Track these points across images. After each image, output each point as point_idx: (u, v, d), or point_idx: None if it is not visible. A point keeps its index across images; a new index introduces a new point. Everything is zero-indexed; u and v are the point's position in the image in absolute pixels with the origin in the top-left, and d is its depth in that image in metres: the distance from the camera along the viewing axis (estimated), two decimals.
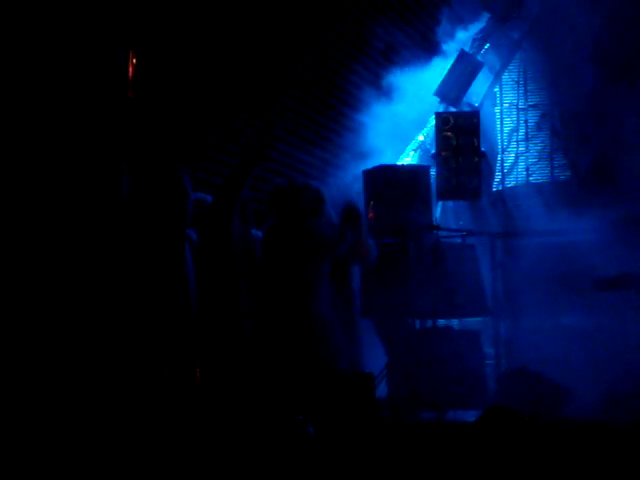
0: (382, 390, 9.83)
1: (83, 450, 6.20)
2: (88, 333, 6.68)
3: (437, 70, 12.13)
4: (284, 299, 8.00)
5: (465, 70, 11.98)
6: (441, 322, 10.65)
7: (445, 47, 12.15)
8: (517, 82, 13.00)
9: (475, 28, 12.45)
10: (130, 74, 7.14)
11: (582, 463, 5.75)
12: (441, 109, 12.12)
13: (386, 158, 11.75)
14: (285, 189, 8.37)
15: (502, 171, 13.08)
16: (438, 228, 10.80)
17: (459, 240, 11.22)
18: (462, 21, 12.16)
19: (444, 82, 12.02)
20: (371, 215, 10.20)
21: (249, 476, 6.00)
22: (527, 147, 13.04)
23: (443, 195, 11.53)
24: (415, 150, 12.69)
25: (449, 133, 11.35)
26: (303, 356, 7.90)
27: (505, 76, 12.98)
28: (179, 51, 9.51)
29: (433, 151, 11.75)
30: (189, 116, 9.80)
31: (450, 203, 12.44)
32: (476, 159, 11.40)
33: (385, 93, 11.78)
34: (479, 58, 12.32)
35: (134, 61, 7.14)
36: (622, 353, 10.01)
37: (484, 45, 12.54)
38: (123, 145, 7.00)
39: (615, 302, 10.22)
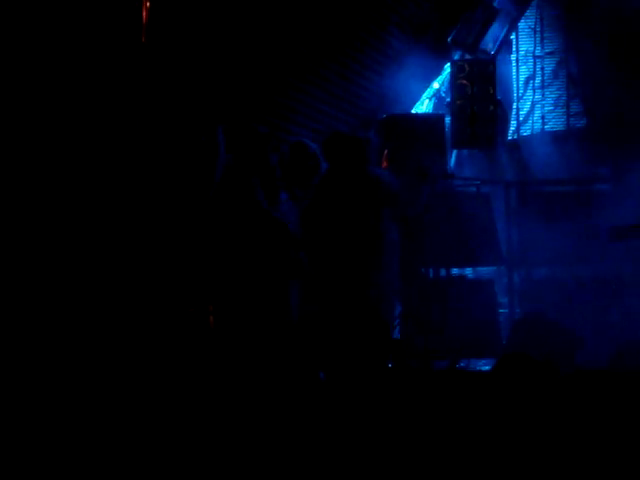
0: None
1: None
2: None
3: (453, 17, 12.04)
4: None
5: (481, 17, 11.86)
6: (455, 271, 10.65)
7: None
8: (533, 29, 12.86)
9: None
10: (144, 19, 7.09)
11: (597, 410, 5.77)
12: (456, 56, 12.02)
13: (401, 107, 11.70)
14: (344, 137, 8.23)
15: (518, 119, 12.98)
16: (452, 177, 10.77)
17: (474, 189, 11.19)
18: None
19: (460, 29, 11.91)
20: (385, 164, 10.16)
21: (258, 421, 6.04)
22: (543, 95, 12.93)
23: (458, 144, 11.50)
24: (430, 98, 12.60)
25: (464, 81, 11.29)
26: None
27: (521, 23, 12.81)
28: None
29: (448, 99, 11.69)
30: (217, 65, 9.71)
31: (465, 152, 12.38)
32: (491, 107, 11.34)
33: (399, 41, 11.71)
34: (495, 5, 12.20)
35: (148, 4, 7.08)
36: (636, 303, 10.03)
37: None
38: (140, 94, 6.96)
39: (631, 251, 10.21)
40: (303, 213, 8.13)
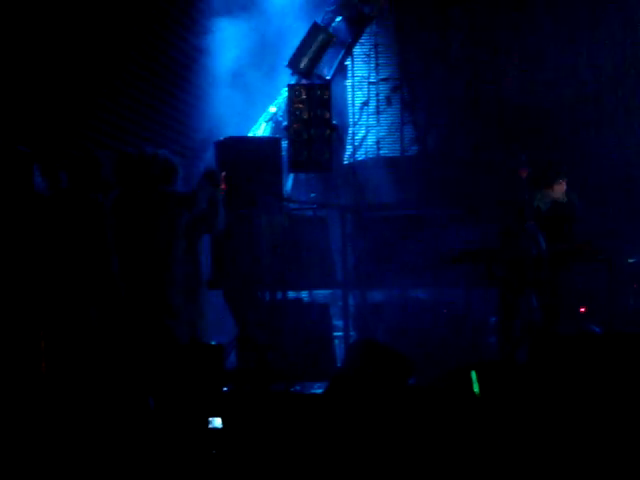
0: (232, 362, 9.81)
1: None
2: None
3: (290, 41, 12.09)
4: (140, 264, 7.93)
5: (317, 42, 11.97)
6: (291, 294, 10.66)
7: (298, 19, 12.11)
8: (368, 55, 13.05)
9: (327, 1, 12.46)
10: None
11: (429, 431, 5.84)
12: (293, 81, 12.08)
13: (238, 129, 11.67)
14: (134, 158, 8.26)
15: (353, 144, 13.12)
16: (289, 200, 10.79)
17: (310, 212, 11.24)
18: None
19: (296, 54, 11.99)
20: (223, 186, 10.11)
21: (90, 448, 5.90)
22: (378, 120, 13.10)
23: (294, 167, 11.54)
24: (267, 121, 12.63)
25: (301, 105, 11.35)
26: (154, 324, 7.83)
27: (357, 49, 12.99)
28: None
29: (285, 123, 11.73)
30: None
31: (302, 175, 12.44)
32: (327, 132, 11.44)
33: (238, 64, 11.69)
34: (331, 31, 12.32)
35: None
36: (467, 326, 10.20)
37: (336, 18, 12.54)
38: None
39: (463, 275, 10.39)
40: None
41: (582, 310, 10.60)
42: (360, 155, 13.18)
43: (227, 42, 11.51)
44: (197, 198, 8.30)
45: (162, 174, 8.30)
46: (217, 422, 6.50)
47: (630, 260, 10.86)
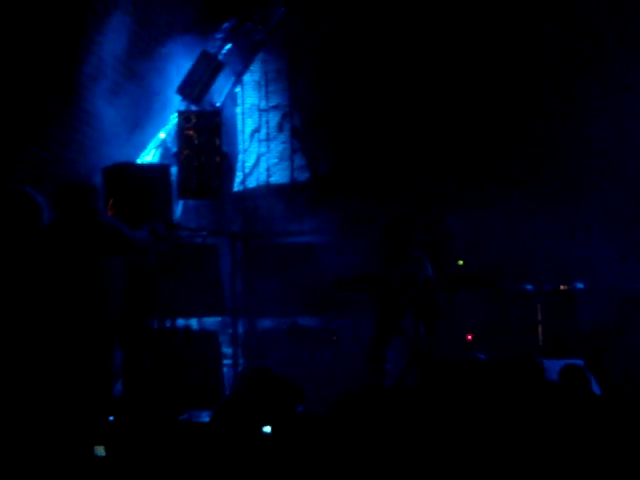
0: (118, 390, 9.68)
1: None
2: None
3: (180, 68, 12.05)
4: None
5: (207, 70, 11.95)
6: (180, 321, 10.58)
7: (188, 46, 12.07)
8: (258, 83, 13.07)
9: (217, 28, 12.46)
10: None
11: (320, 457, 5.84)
12: (183, 107, 12.04)
13: (127, 155, 11.57)
14: (74, 188, 8.08)
15: (243, 171, 13.11)
16: (178, 227, 10.73)
17: (199, 240, 11.19)
18: (204, 21, 12.13)
19: (186, 80, 11.96)
20: (110, 212, 10.01)
21: None
22: (268, 148, 13.12)
23: (184, 194, 11.49)
24: (157, 148, 12.55)
25: (191, 132, 11.33)
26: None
27: (247, 77, 13.02)
28: None
29: (175, 149, 11.68)
30: None
31: (191, 202, 12.38)
32: (217, 158, 11.42)
33: (126, 89, 11.59)
34: (221, 58, 12.32)
35: None
36: (358, 354, 10.24)
37: (226, 45, 12.54)
38: None
39: (352, 302, 10.43)
40: (23, 263, 7.90)
41: (469, 337, 10.73)
42: (250, 182, 13.16)
43: (115, 67, 11.42)
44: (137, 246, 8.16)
45: (94, 205, 8.16)
46: (101, 451, 6.40)
47: (517, 288, 11.04)
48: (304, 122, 13.01)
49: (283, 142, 13.10)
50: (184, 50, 12.00)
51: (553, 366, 7.25)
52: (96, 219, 7.99)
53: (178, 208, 12.03)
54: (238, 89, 12.96)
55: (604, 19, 11.82)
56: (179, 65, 12.05)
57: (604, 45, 11.86)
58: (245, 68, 12.79)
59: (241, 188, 13.12)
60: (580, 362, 7.54)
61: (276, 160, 13.12)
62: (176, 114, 11.67)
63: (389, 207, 11.54)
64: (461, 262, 9.92)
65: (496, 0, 12.22)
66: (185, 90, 11.93)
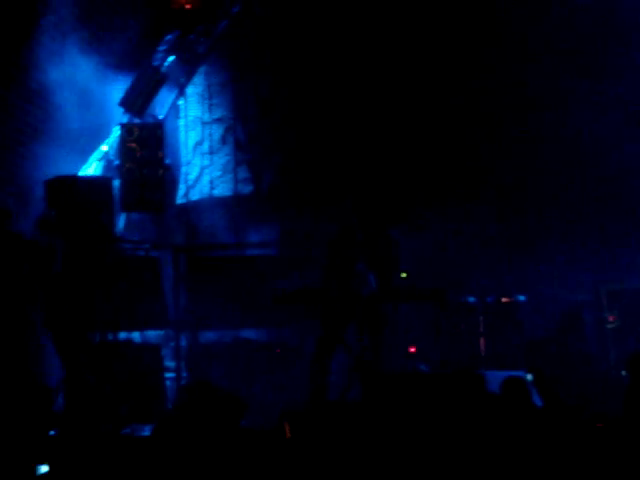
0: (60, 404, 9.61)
1: None
2: None
3: (122, 81, 11.99)
4: None
5: (149, 82, 11.89)
6: (123, 335, 10.52)
7: (131, 58, 12.01)
8: (202, 95, 13.04)
9: (160, 41, 12.40)
10: None
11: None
12: (125, 120, 11.98)
13: (68, 168, 11.48)
14: None
15: (186, 184, 13.05)
16: (121, 240, 10.68)
17: (142, 253, 11.13)
18: (147, 33, 12.08)
19: (128, 93, 11.89)
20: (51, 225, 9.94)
21: None
22: (212, 160, 13.08)
23: (126, 207, 11.44)
24: (99, 160, 12.46)
25: (133, 144, 11.28)
26: None
27: (190, 89, 12.96)
28: None
29: (117, 162, 11.62)
30: None
31: (134, 215, 12.31)
32: (160, 171, 11.40)
33: (68, 102, 11.51)
34: (163, 71, 12.28)
35: None
36: (302, 366, 10.24)
37: (169, 58, 12.48)
38: None
39: (293, 316, 10.45)
40: None
41: (412, 350, 10.77)
42: (194, 195, 13.11)
43: (58, 80, 11.35)
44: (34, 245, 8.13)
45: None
46: (44, 467, 6.35)
47: (460, 300, 11.11)
48: (248, 135, 12.99)
49: (226, 155, 13.06)
50: (127, 62, 11.95)
51: (495, 378, 7.30)
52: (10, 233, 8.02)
53: (121, 221, 11.96)
54: (181, 101, 12.91)
55: None
56: (122, 78, 11.99)
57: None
58: (188, 80, 12.75)
59: (184, 201, 13.06)
60: (522, 374, 7.60)
61: (219, 173, 13.07)
62: (118, 127, 11.60)
63: (333, 221, 11.58)
64: (404, 275, 9.96)
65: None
66: (127, 103, 11.86)
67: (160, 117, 12.31)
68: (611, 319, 10.78)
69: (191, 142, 13.09)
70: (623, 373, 9.78)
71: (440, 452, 5.96)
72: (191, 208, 12.97)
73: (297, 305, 9.82)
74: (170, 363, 10.80)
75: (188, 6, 12.04)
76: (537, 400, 7.12)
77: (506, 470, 5.88)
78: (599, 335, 10.98)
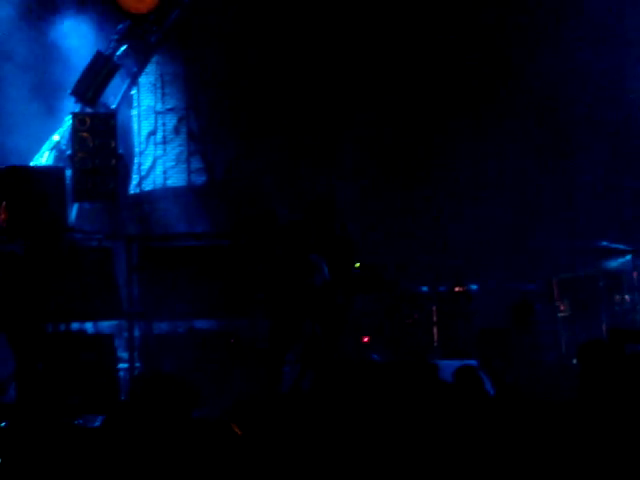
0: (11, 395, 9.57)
1: None
2: None
3: (75, 69, 11.92)
4: None
5: (101, 71, 11.82)
6: (75, 326, 10.46)
7: (82, 47, 11.94)
8: (154, 85, 12.97)
9: (112, 30, 12.31)
10: None
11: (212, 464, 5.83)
12: (77, 109, 11.90)
13: (19, 158, 11.41)
14: None
15: (139, 174, 12.99)
16: (73, 230, 10.62)
17: (95, 243, 11.07)
18: (99, 22, 12.00)
19: (80, 82, 11.82)
20: (3, 217, 9.86)
21: None
22: (165, 150, 13.02)
23: (79, 197, 11.38)
24: (50, 150, 12.37)
25: (85, 134, 11.22)
26: None
27: (142, 79, 12.88)
28: None
29: (69, 152, 11.54)
30: None
31: (87, 205, 12.23)
32: (113, 161, 11.35)
33: (19, 91, 11.44)
34: (116, 60, 12.20)
35: None
36: (256, 357, 10.25)
37: (121, 47, 12.38)
38: None
39: (250, 305, 10.45)
40: None
41: (365, 339, 10.81)
42: (147, 185, 13.05)
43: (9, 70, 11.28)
44: None
45: None
46: None
47: (413, 290, 11.16)
48: (201, 125, 12.96)
49: (180, 145, 13.02)
50: (79, 51, 11.88)
51: (447, 367, 7.34)
52: None
53: (73, 211, 11.88)
54: (134, 91, 12.83)
55: None
56: (74, 66, 11.92)
57: None
58: (141, 70, 12.66)
59: (137, 191, 13.00)
60: (474, 362, 7.66)
61: (173, 163, 13.03)
62: (70, 116, 11.52)
63: (287, 210, 11.59)
64: (357, 265, 9.98)
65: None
66: (79, 92, 11.78)
67: (113, 107, 12.23)
68: (562, 308, 10.88)
69: (144, 132, 13.03)
70: (574, 362, 9.87)
71: (393, 441, 5.98)
72: (144, 198, 12.93)
73: (251, 295, 9.83)
74: (123, 354, 10.73)
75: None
76: (489, 389, 7.18)
77: (460, 457, 5.92)
78: (551, 324, 11.07)
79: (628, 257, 10.60)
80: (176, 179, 13.05)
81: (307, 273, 9.35)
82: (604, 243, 10.73)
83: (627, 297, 10.77)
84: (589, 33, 11.98)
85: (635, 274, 10.58)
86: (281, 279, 9.57)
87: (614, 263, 10.77)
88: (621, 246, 10.70)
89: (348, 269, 9.75)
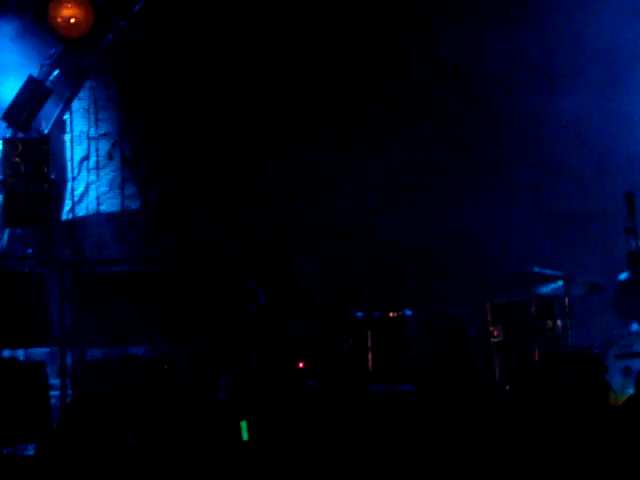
0: None
1: None
2: None
3: (6, 95, 11.83)
4: None
5: (33, 96, 11.74)
6: (6, 353, 10.35)
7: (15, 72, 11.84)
8: (87, 110, 12.90)
9: (45, 54, 12.22)
10: None
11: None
12: (9, 134, 11.80)
13: None
14: None
15: (72, 199, 12.89)
16: (4, 256, 10.51)
17: (26, 269, 10.97)
18: (32, 46, 11.92)
19: (12, 107, 11.73)
20: None
21: None
22: (98, 176, 12.94)
23: (10, 222, 11.29)
24: None
25: (17, 159, 11.14)
26: None
27: (75, 104, 12.80)
28: None
29: (0, 177, 11.44)
30: None
31: (18, 230, 12.13)
32: (45, 186, 11.27)
33: None
34: (48, 84, 12.11)
35: None
36: (190, 383, 10.20)
37: (53, 71, 12.30)
38: None
39: (184, 331, 10.41)
40: None
41: (300, 365, 10.79)
42: (80, 210, 12.95)
43: None
44: None
45: None
46: None
47: (348, 315, 11.17)
48: (134, 150, 12.91)
49: (113, 170, 12.94)
50: (11, 76, 11.79)
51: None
52: None
53: (4, 236, 11.77)
54: (67, 116, 12.75)
55: None
56: (5, 91, 11.82)
57: None
58: (74, 95, 12.58)
59: (70, 217, 12.89)
60: (409, 388, 7.66)
61: (106, 188, 12.94)
62: (1, 141, 11.42)
63: (222, 236, 11.57)
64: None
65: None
66: (11, 117, 11.69)
67: (45, 132, 12.14)
68: (495, 333, 10.94)
69: (77, 157, 12.93)
70: (507, 388, 9.92)
71: (321, 465, 5.98)
72: (78, 224, 12.82)
73: (186, 321, 9.79)
74: (55, 381, 10.62)
75: (73, 21, 11.88)
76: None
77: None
78: (484, 349, 11.13)
79: (560, 283, 10.68)
80: (110, 204, 12.96)
81: (243, 299, 9.34)
82: (536, 269, 10.80)
83: (559, 322, 10.85)
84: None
85: (566, 300, 10.66)
86: (216, 304, 9.55)
87: (546, 289, 10.85)
88: (553, 272, 10.78)
89: (285, 294, 9.77)
